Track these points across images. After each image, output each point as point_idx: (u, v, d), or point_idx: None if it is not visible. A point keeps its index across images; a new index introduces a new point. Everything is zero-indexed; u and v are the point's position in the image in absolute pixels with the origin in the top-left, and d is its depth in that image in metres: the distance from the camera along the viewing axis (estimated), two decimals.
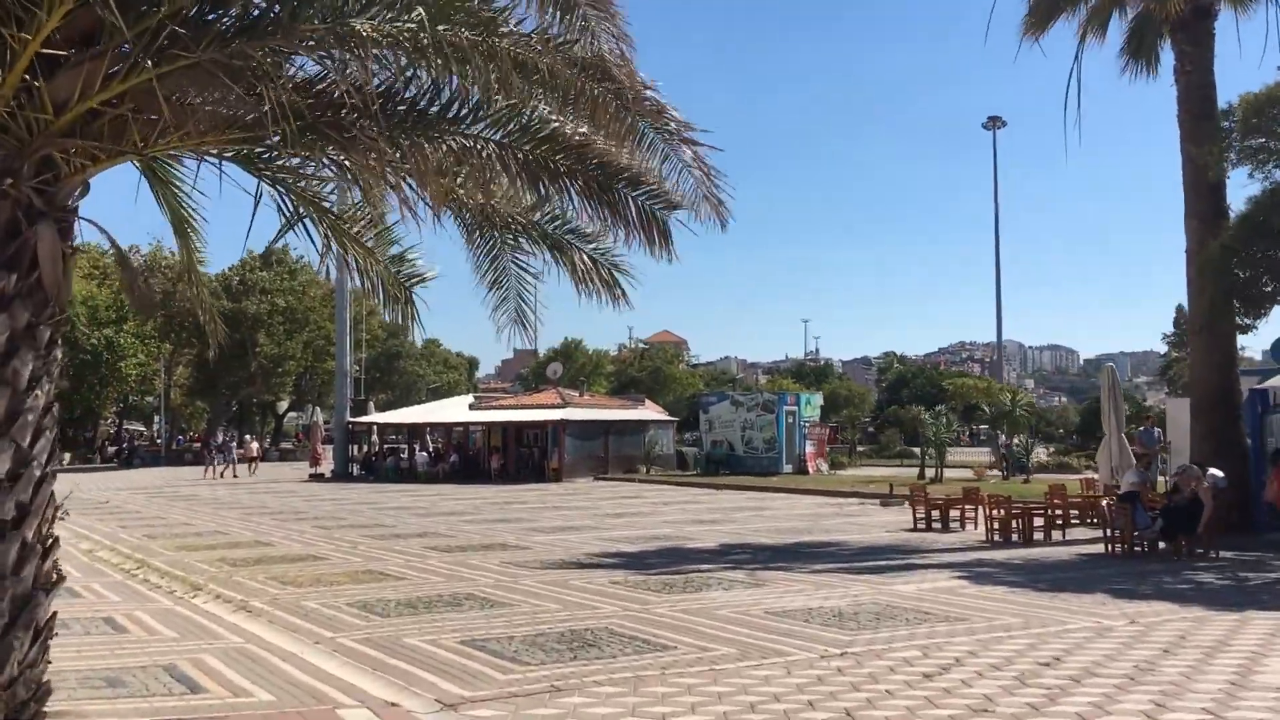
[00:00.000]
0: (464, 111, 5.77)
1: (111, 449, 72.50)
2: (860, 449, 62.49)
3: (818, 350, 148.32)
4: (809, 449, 40.80)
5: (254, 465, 47.89)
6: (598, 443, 41.89)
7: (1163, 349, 74.43)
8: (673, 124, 6.43)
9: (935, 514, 20.19)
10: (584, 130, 6.16)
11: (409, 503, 28.72)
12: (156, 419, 78.52)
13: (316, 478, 43.95)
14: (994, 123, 75.37)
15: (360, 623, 10.29)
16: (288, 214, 6.11)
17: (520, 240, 7.42)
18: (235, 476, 44.41)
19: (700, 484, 35.81)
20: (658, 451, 43.53)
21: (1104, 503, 16.63)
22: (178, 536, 19.62)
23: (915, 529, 19.90)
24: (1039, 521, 18.27)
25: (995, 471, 37.00)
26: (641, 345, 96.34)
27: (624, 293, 7.57)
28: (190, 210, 6.78)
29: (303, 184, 6.17)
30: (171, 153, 5.66)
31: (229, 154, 5.80)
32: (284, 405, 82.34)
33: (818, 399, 44.21)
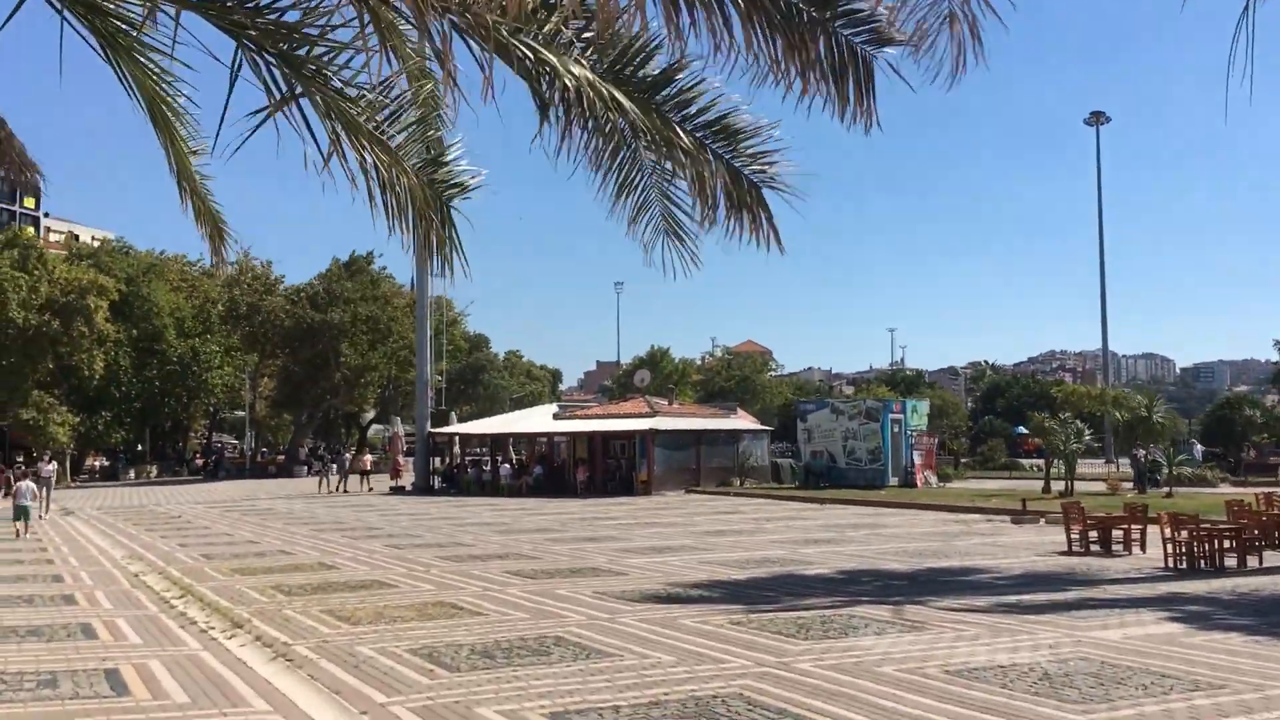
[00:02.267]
0: None
1: (199, 461, 72.52)
2: (963, 460, 58.96)
3: (903, 360, 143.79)
4: (917, 460, 37.80)
5: (366, 479, 45.17)
6: (688, 454, 39.48)
7: (1270, 356, 69.62)
8: None
9: (1092, 535, 17.35)
10: None
11: (491, 518, 26.71)
12: (249, 431, 78.47)
13: (397, 490, 42.35)
14: (1097, 119, 71.05)
15: (423, 679, 8.08)
16: (278, 91, 3.95)
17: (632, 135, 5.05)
18: (345, 490, 42.50)
19: (801, 498, 33.12)
20: (752, 463, 40.93)
21: None
22: (237, 557, 17.80)
23: (1070, 552, 17.09)
24: (1222, 545, 15.34)
25: (1128, 485, 33.54)
26: (727, 354, 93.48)
27: (773, 225, 5.18)
28: (167, 91, 4.67)
29: (302, 50, 3.98)
30: None
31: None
32: (368, 416, 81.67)
33: (924, 406, 41.13)
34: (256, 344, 64.64)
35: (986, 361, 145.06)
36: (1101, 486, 33.07)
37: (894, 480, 36.69)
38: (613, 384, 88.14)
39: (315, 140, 4.45)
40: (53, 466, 29.25)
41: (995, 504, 27.64)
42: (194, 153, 5.28)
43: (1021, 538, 20.11)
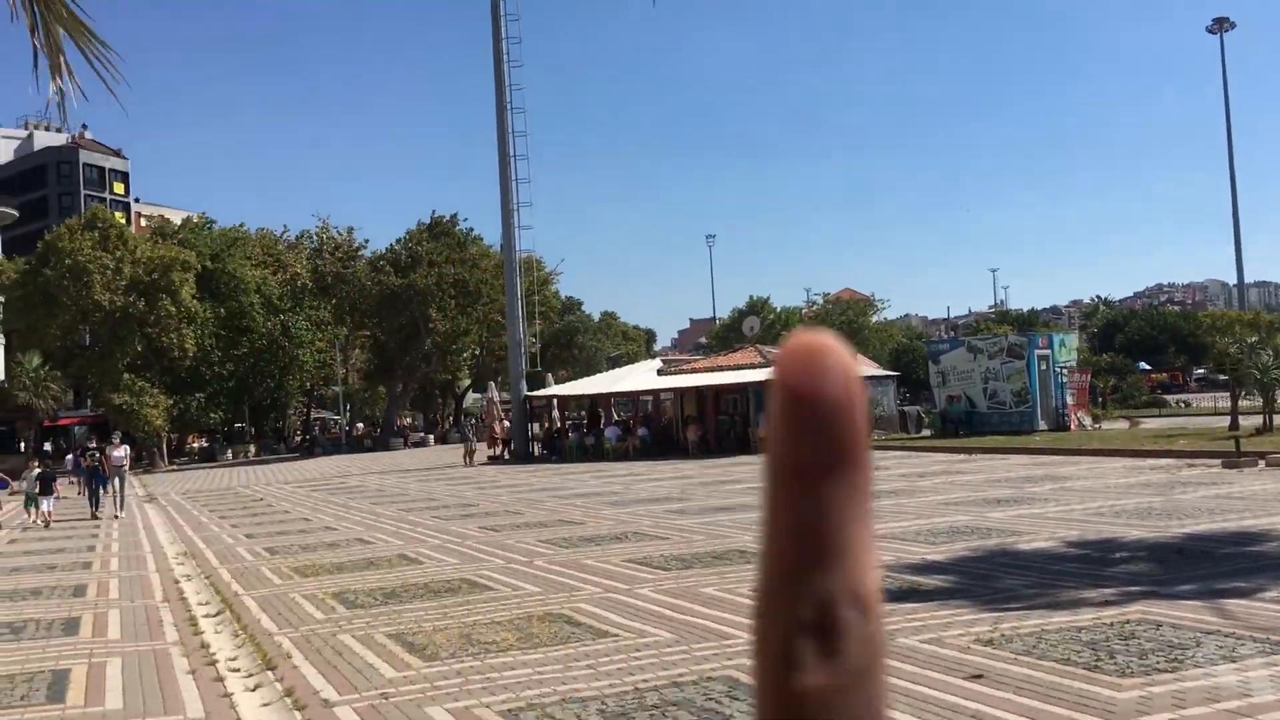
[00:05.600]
0: None
1: (297, 438, 71.54)
2: (1111, 398, 53.97)
3: (1005, 300, 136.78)
4: (1069, 400, 33.51)
5: (500, 446, 41.12)
6: None
7: None
8: None
9: None
10: None
11: (598, 487, 23.60)
12: (343, 405, 77.25)
13: (495, 460, 39.65)
14: (1220, 25, 63.99)
15: None
16: None
17: None
18: (471, 461, 39.19)
19: (942, 448, 29.28)
20: (879, 412, 37.11)
21: None
22: (305, 550, 14.92)
23: None
24: None
25: None
26: (827, 301, 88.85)
27: None
28: None
29: None
30: None
31: None
32: (465, 384, 79.76)
33: (1073, 339, 36.65)
34: (344, 315, 62.83)
35: (1098, 296, 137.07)
36: None
37: (1044, 424, 32.54)
38: (710, 339, 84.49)
39: None
40: (124, 450, 26.53)
41: (1185, 445, 23.52)
42: None
43: (1258, 486, 16.11)
